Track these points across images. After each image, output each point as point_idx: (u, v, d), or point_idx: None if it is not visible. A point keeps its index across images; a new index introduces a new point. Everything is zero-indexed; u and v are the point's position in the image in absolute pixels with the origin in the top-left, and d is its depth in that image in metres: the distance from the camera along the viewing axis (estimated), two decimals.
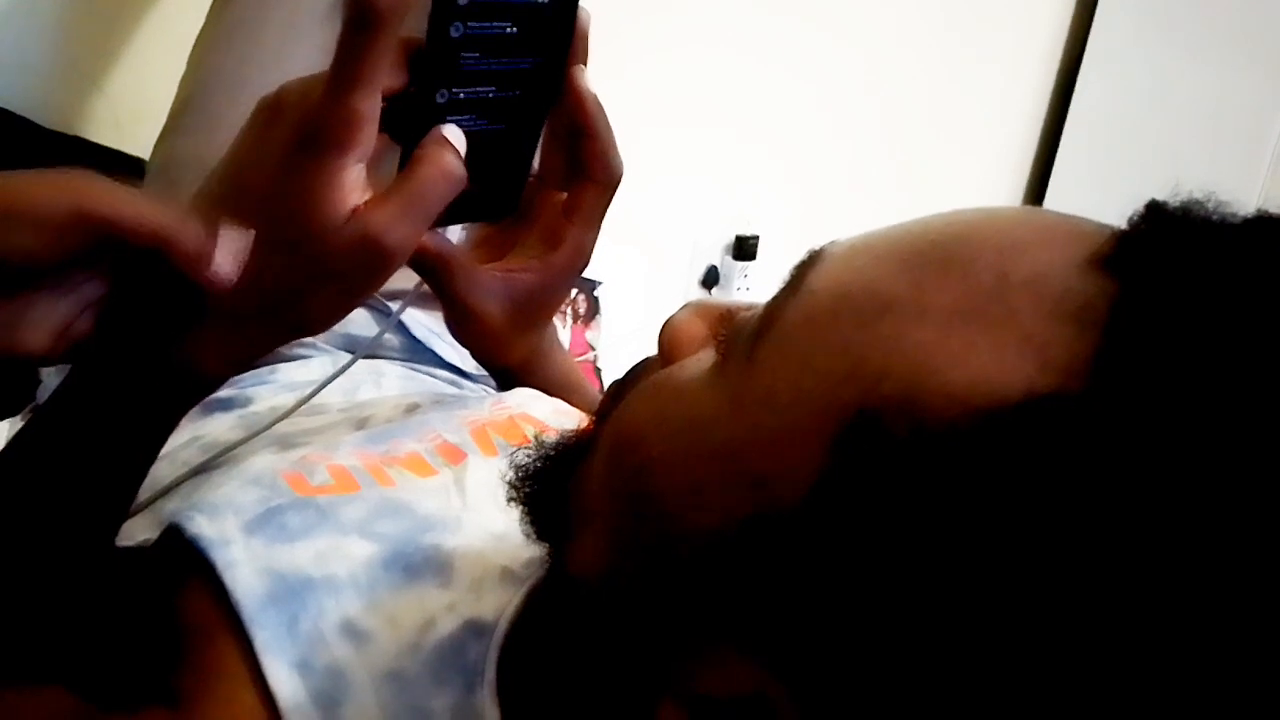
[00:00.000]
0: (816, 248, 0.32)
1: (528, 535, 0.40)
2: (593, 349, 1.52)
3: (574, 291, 1.52)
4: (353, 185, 0.42)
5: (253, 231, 0.42)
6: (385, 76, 0.41)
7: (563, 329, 1.49)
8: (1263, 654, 0.23)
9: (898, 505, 0.26)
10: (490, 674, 0.40)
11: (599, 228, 0.54)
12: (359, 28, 0.40)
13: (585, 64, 0.49)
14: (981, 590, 0.25)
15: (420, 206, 0.43)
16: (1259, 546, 0.23)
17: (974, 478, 0.25)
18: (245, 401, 0.64)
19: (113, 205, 0.39)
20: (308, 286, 0.43)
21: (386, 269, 0.43)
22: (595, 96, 0.50)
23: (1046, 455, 0.24)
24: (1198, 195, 0.28)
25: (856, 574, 0.26)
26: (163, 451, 0.47)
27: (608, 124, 0.51)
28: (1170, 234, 0.27)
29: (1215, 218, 0.27)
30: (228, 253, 0.41)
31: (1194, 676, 0.23)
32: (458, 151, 0.44)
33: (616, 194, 0.53)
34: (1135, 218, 0.28)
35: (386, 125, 0.43)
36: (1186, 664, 0.23)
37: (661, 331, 0.38)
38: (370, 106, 0.41)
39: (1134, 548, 0.24)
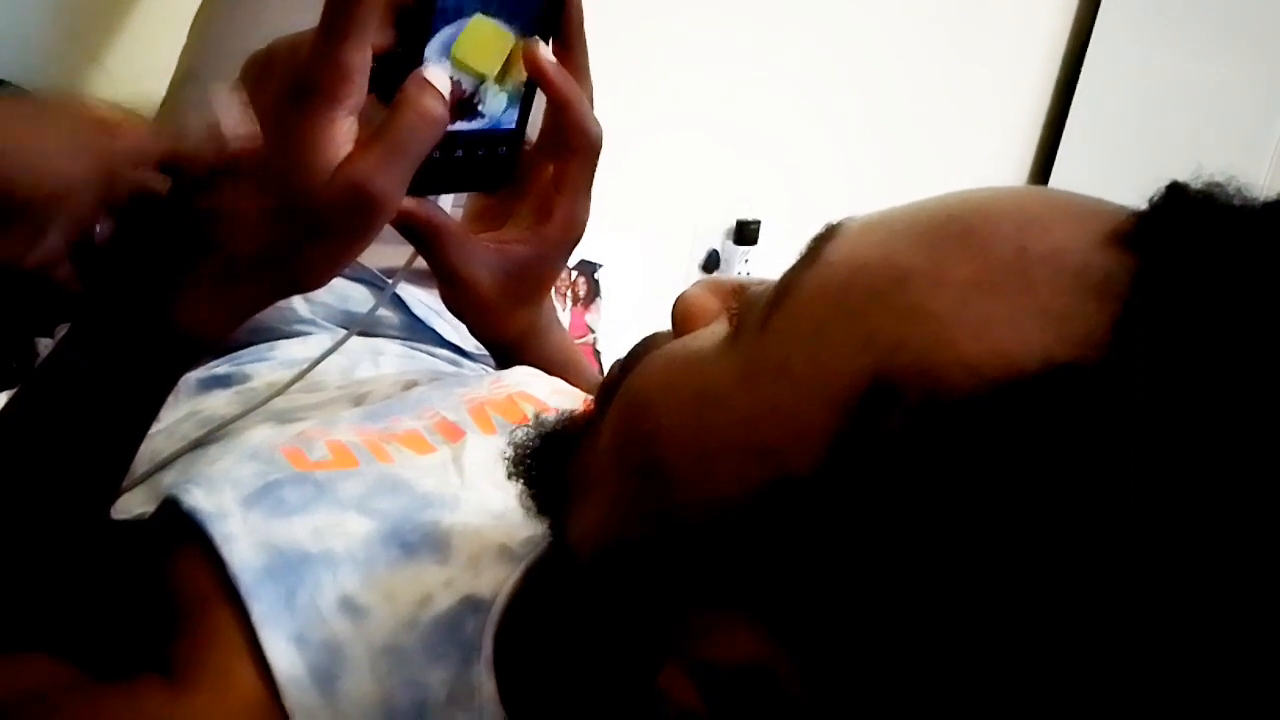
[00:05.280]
0: (834, 222, 0.32)
1: (528, 511, 0.40)
2: (592, 331, 1.52)
3: (574, 274, 1.52)
4: (344, 137, 0.42)
5: (238, 88, 0.43)
6: (374, 30, 0.41)
7: (563, 311, 1.49)
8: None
9: (911, 474, 0.26)
10: (487, 648, 0.40)
11: (589, 196, 0.54)
12: None
13: (581, 29, 0.49)
14: (993, 560, 0.25)
15: (403, 151, 0.43)
16: (1277, 522, 0.23)
17: (990, 447, 0.25)
18: (243, 378, 0.64)
19: (125, 148, 0.41)
20: (299, 239, 0.43)
21: (375, 218, 0.43)
22: (557, 65, 0.49)
23: (1063, 425, 0.24)
24: (1219, 179, 0.28)
25: (868, 543, 0.26)
26: (160, 426, 0.47)
27: (578, 91, 0.50)
28: (1192, 212, 0.27)
29: (1236, 200, 0.27)
30: (230, 119, 0.42)
31: (1206, 633, 0.23)
32: (440, 94, 0.44)
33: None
34: (1156, 197, 0.28)
35: (374, 86, 0.43)
36: (1195, 622, 0.23)
37: (675, 305, 0.38)
38: (359, 58, 0.41)
39: (1149, 518, 0.23)
